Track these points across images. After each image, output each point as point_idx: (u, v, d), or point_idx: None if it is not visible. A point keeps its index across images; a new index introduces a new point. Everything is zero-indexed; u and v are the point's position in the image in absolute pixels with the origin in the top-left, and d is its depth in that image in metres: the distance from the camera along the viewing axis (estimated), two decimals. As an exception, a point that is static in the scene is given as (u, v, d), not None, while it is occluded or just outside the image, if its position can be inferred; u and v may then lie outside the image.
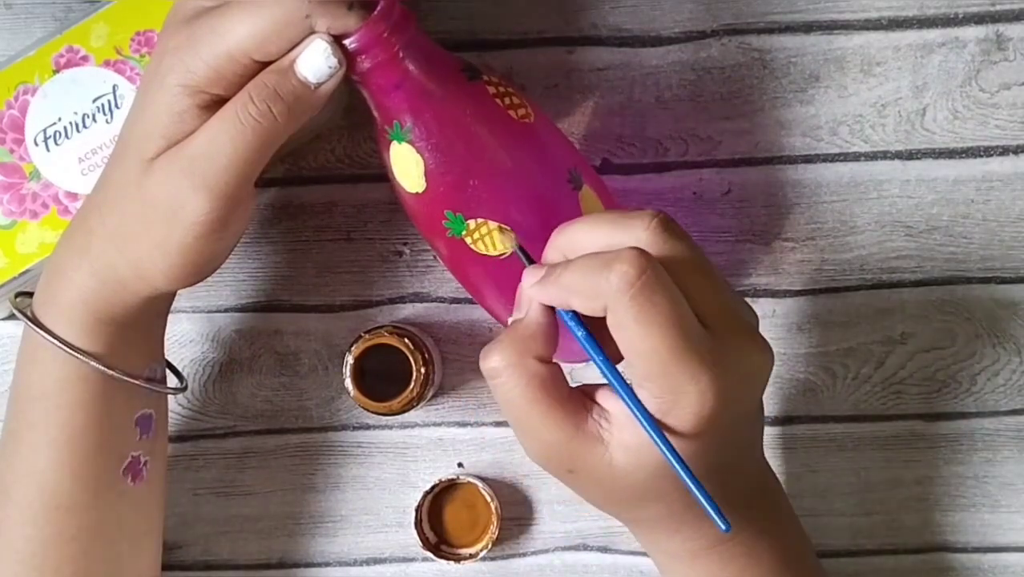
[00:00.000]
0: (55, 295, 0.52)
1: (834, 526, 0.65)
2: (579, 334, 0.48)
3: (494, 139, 0.53)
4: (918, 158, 0.64)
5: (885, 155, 0.64)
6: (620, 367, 0.48)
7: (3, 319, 0.65)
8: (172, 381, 0.59)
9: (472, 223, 0.53)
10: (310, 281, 0.65)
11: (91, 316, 0.52)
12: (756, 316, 0.51)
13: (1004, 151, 0.64)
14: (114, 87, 0.57)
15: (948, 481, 0.65)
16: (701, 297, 0.47)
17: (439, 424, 0.65)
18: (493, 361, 0.48)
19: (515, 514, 0.65)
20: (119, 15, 0.57)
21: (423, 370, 0.60)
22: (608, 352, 0.48)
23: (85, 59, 0.57)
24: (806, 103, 0.64)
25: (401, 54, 0.50)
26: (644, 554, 0.65)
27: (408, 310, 0.65)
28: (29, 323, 0.52)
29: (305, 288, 0.65)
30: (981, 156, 0.64)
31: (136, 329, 0.53)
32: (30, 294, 0.55)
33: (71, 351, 0.51)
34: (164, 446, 0.58)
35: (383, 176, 0.64)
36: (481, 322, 0.65)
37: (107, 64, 0.57)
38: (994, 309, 0.64)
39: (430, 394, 0.62)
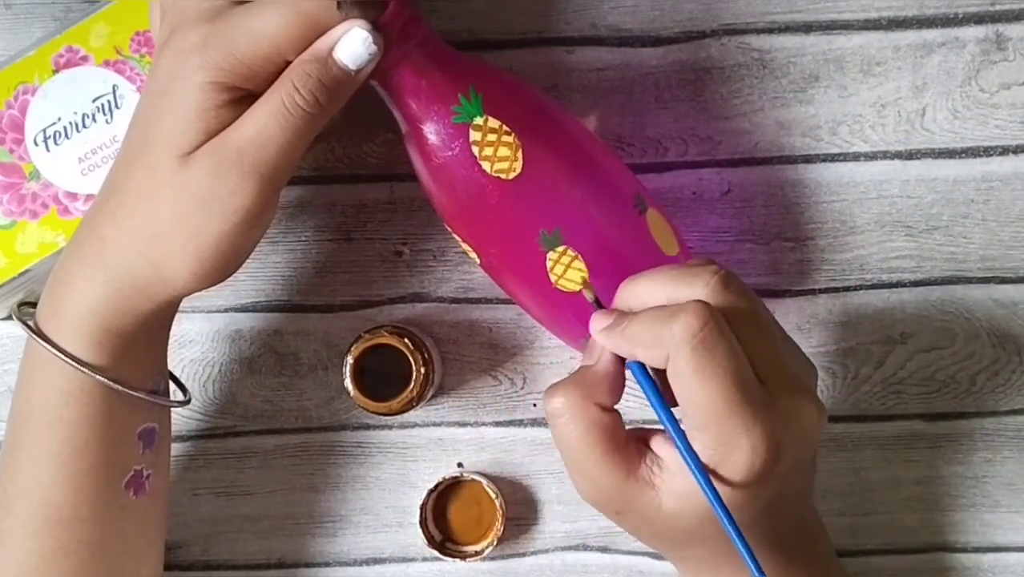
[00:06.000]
0: (62, 307, 0.51)
1: (834, 526, 0.65)
2: (644, 384, 0.50)
3: (571, 141, 0.55)
4: (918, 158, 0.64)
5: (885, 155, 0.64)
6: (676, 414, 0.49)
7: (3, 319, 0.65)
8: (176, 394, 0.59)
9: (561, 249, 0.54)
10: (310, 281, 0.65)
11: (100, 327, 0.51)
12: (815, 371, 0.53)
13: (1004, 151, 0.64)
14: (114, 87, 0.57)
15: (948, 481, 0.65)
16: (757, 352, 0.48)
17: (439, 424, 0.65)
18: (556, 403, 0.50)
19: (515, 514, 0.65)
20: (119, 15, 0.57)
21: (423, 370, 0.60)
22: (669, 400, 0.49)
23: (85, 59, 0.57)
24: (806, 103, 0.64)
25: (428, 30, 0.52)
26: (644, 554, 0.65)
27: (408, 310, 0.65)
28: (33, 335, 0.52)
29: (305, 288, 0.65)
30: (981, 156, 0.64)
31: (143, 341, 0.53)
32: (33, 304, 0.54)
33: (76, 364, 0.51)
34: (167, 459, 0.58)
35: (383, 176, 0.65)
36: (481, 322, 0.65)
37: (107, 64, 0.57)
38: (994, 309, 0.64)
39: (430, 394, 0.62)
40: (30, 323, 0.53)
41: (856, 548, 0.65)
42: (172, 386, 0.59)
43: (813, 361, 0.52)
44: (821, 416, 0.50)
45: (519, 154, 0.53)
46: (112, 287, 0.51)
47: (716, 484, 0.47)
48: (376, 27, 0.49)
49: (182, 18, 0.50)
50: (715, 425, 0.47)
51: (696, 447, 0.48)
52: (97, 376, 0.51)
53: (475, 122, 0.52)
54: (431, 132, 0.53)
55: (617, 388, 0.51)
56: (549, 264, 0.54)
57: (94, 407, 0.52)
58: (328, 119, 0.50)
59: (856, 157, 0.64)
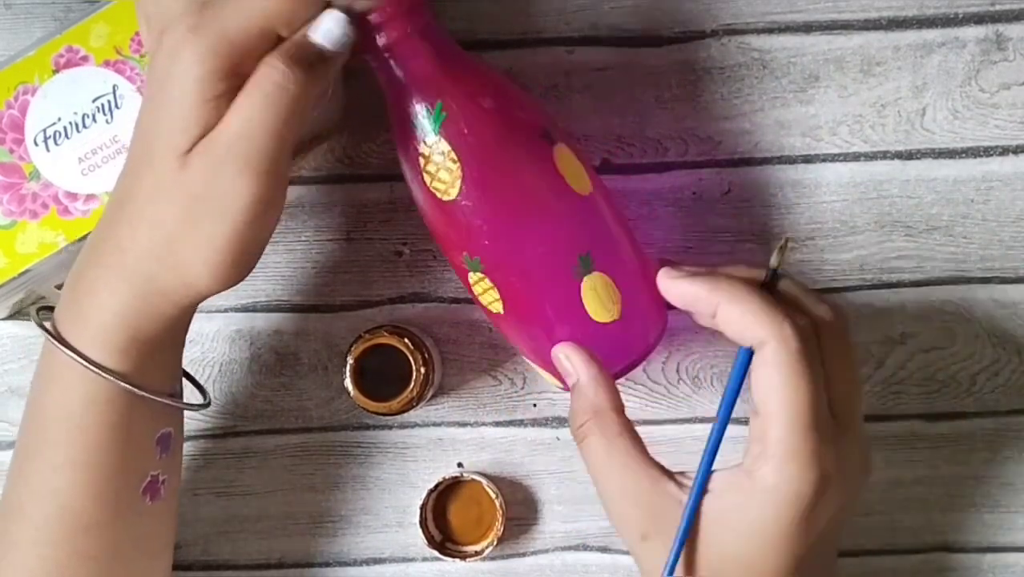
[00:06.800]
0: (84, 315, 0.51)
1: (834, 526, 0.65)
2: (738, 373, 0.50)
3: (523, 190, 0.54)
4: (918, 158, 0.64)
5: (885, 155, 0.64)
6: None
7: (2, 319, 0.65)
8: (195, 396, 0.59)
9: (480, 275, 0.55)
10: (310, 281, 0.65)
11: (125, 335, 0.51)
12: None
13: (1004, 151, 0.64)
14: (114, 87, 0.57)
15: (948, 481, 0.65)
16: (843, 385, 0.50)
17: (439, 424, 0.65)
18: (579, 418, 0.52)
19: (515, 514, 0.65)
20: (119, 15, 0.57)
21: (423, 370, 0.60)
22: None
23: (85, 59, 0.57)
24: (806, 103, 0.64)
25: (428, 27, 0.52)
26: (644, 554, 0.65)
27: (408, 310, 0.65)
28: (56, 343, 0.51)
29: (305, 288, 0.65)
30: (981, 156, 0.64)
31: (165, 345, 0.53)
32: (50, 309, 0.54)
33: (100, 372, 0.50)
34: (179, 463, 0.58)
35: (383, 176, 0.65)
36: (481, 322, 0.65)
37: (107, 64, 0.57)
38: (994, 309, 0.64)
39: (430, 394, 0.62)
40: (51, 330, 0.52)
41: (856, 548, 0.65)
42: (192, 388, 0.59)
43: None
44: (868, 474, 0.51)
45: (458, 183, 0.53)
46: (135, 295, 0.50)
47: (763, 502, 0.48)
48: (366, 13, 0.50)
49: (168, 18, 0.49)
50: (784, 432, 0.47)
51: (754, 455, 0.48)
52: (121, 383, 0.51)
53: (427, 139, 0.53)
54: (398, 122, 0.54)
55: (616, 391, 0.53)
56: (471, 281, 0.56)
57: (116, 414, 0.52)
58: (311, 102, 0.49)
59: (856, 157, 0.64)
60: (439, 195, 0.53)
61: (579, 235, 0.54)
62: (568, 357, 0.54)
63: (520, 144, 0.53)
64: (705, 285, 0.51)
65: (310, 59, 0.49)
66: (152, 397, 0.52)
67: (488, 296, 0.56)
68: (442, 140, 0.52)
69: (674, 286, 0.52)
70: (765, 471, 0.48)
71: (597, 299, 0.54)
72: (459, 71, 0.53)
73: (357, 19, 0.50)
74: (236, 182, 0.48)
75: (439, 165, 0.53)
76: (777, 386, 0.47)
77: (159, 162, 0.49)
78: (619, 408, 0.53)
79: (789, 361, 0.47)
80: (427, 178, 0.53)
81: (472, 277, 0.55)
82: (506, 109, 0.53)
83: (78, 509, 0.52)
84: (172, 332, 0.53)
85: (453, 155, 0.52)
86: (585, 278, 0.54)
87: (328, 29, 0.49)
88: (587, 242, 0.54)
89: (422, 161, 0.53)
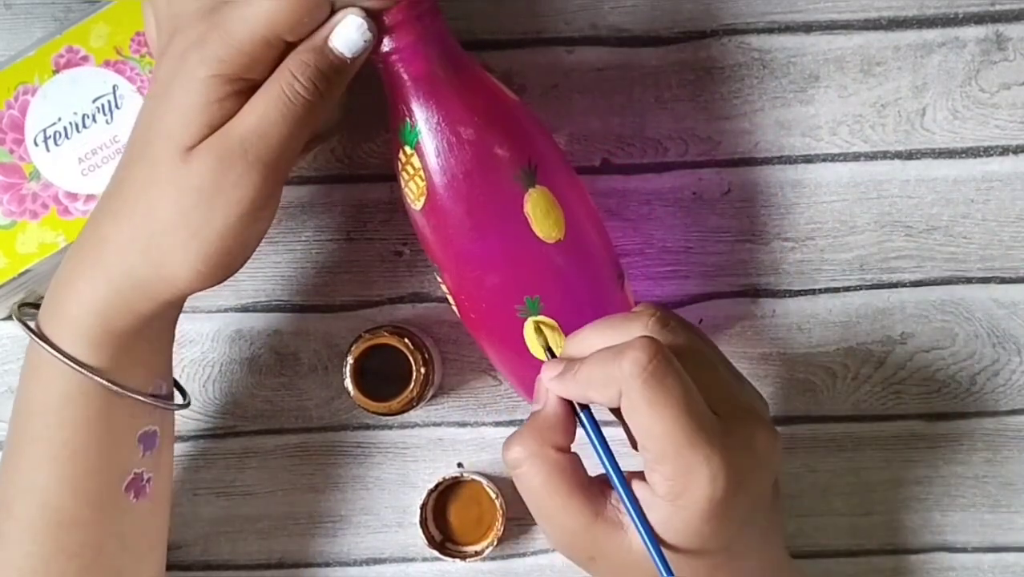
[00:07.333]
0: (62, 308, 0.51)
1: (834, 526, 0.65)
2: (590, 430, 0.51)
3: (476, 226, 0.54)
4: (918, 158, 0.64)
5: (885, 155, 0.64)
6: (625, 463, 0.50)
7: (3, 319, 0.65)
8: (175, 397, 0.59)
9: (440, 280, 0.56)
10: (310, 281, 0.65)
11: (100, 328, 0.51)
12: (764, 401, 0.54)
13: (1004, 151, 0.64)
14: (114, 87, 0.57)
15: (948, 481, 0.65)
16: (704, 384, 0.49)
17: (439, 424, 0.66)
18: (514, 452, 0.51)
19: (515, 514, 0.65)
20: (119, 15, 0.58)
21: (423, 370, 0.60)
22: (631, 442, 0.50)
23: (85, 59, 0.57)
24: (806, 103, 0.64)
25: (430, 41, 0.52)
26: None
27: (408, 310, 0.65)
28: (32, 335, 0.52)
29: (305, 288, 0.65)
30: (981, 156, 0.64)
31: (143, 342, 0.53)
32: (35, 305, 0.54)
33: (74, 365, 0.51)
34: (169, 463, 0.58)
35: (383, 176, 0.65)
36: (481, 322, 0.65)
37: (107, 64, 0.57)
38: (994, 309, 0.64)
39: (430, 394, 0.62)
40: (30, 324, 0.53)
41: (856, 548, 0.65)
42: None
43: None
44: (775, 442, 0.50)
45: (422, 197, 0.53)
46: (112, 287, 0.51)
47: (679, 516, 0.48)
48: (373, 14, 0.50)
49: (179, 21, 0.50)
50: (674, 455, 0.47)
51: (655, 480, 0.48)
52: (95, 377, 0.51)
53: (405, 148, 0.53)
54: (391, 119, 0.54)
55: (570, 429, 0.52)
56: (438, 280, 0.57)
57: (93, 409, 0.52)
58: (326, 108, 0.51)
59: (856, 157, 0.64)
60: (409, 201, 0.55)
61: (530, 279, 0.54)
62: (548, 390, 0.52)
63: (487, 182, 0.53)
64: (567, 386, 0.51)
65: (333, 66, 0.49)
66: (125, 393, 0.52)
67: (450, 298, 0.57)
68: (416, 155, 0.53)
69: (556, 391, 0.52)
70: (670, 488, 0.48)
71: (536, 340, 0.55)
72: (453, 90, 0.53)
73: (375, 24, 0.50)
74: (244, 177, 0.49)
75: (411, 176, 0.53)
76: (650, 419, 0.47)
77: (157, 156, 0.49)
78: (565, 446, 0.52)
79: (644, 393, 0.47)
80: (401, 182, 0.55)
81: (437, 278, 0.57)
82: (485, 143, 0.53)
83: (59, 505, 0.52)
84: (150, 329, 0.53)
85: (422, 173, 0.53)
86: (529, 319, 0.55)
87: (347, 36, 0.49)
88: (538, 287, 0.54)
89: (399, 165, 0.54)
